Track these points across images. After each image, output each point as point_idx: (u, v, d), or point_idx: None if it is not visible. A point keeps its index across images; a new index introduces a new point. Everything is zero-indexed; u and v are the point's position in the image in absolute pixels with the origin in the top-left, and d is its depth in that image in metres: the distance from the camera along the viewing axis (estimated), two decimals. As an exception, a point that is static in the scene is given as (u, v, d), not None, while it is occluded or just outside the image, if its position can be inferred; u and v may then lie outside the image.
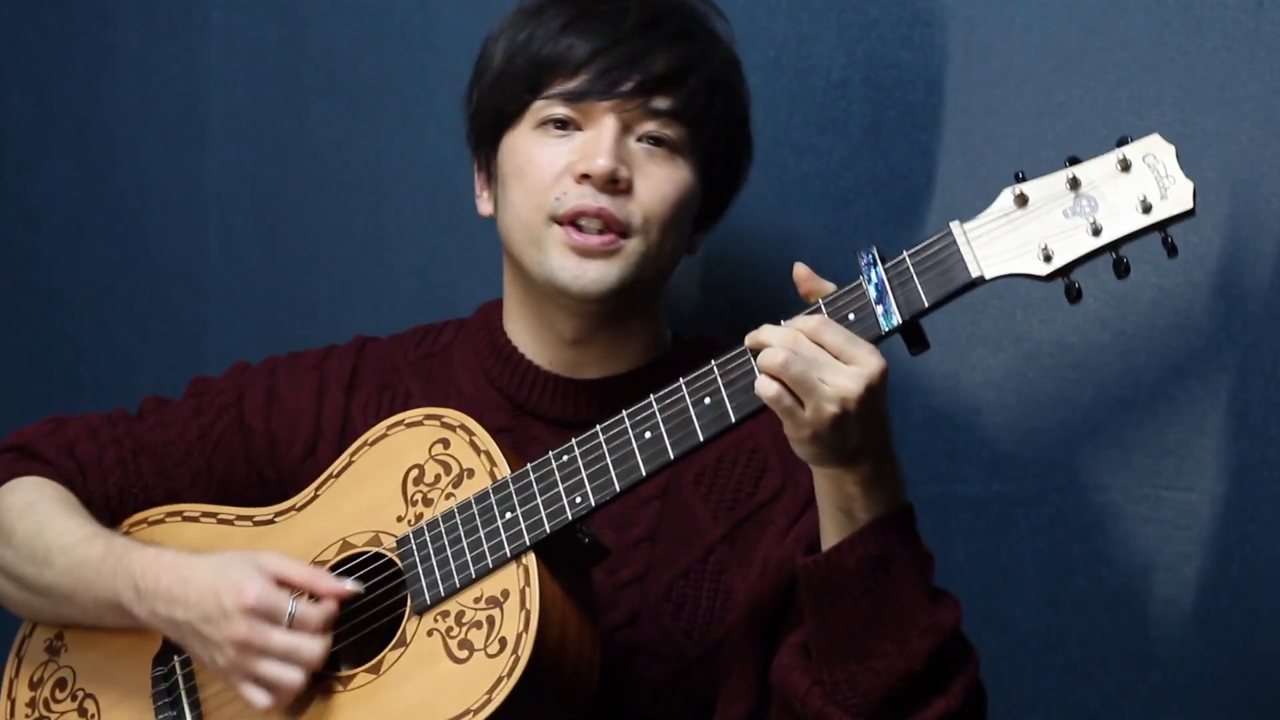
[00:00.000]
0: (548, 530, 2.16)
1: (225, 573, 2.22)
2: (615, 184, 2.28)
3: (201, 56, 3.15)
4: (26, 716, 2.42)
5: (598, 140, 2.29)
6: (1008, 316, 2.62)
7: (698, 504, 2.34)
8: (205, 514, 2.40)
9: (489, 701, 2.11)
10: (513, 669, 2.11)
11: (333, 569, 2.27)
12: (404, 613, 2.22)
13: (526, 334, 2.40)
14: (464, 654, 2.15)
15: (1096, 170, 2.04)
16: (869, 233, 2.69)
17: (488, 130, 2.38)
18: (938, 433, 2.65)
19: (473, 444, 2.24)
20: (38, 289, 3.27)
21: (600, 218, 2.28)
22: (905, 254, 2.07)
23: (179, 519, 2.43)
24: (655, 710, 2.30)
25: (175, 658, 2.35)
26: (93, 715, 2.39)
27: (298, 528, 2.33)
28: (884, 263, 2.07)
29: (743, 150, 2.43)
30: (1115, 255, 2.04)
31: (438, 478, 2.25)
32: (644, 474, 2.14)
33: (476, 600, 2.17)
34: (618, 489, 2.15)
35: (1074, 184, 2.04)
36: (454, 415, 2.26)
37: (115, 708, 2.38)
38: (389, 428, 2.30)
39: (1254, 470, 2.50)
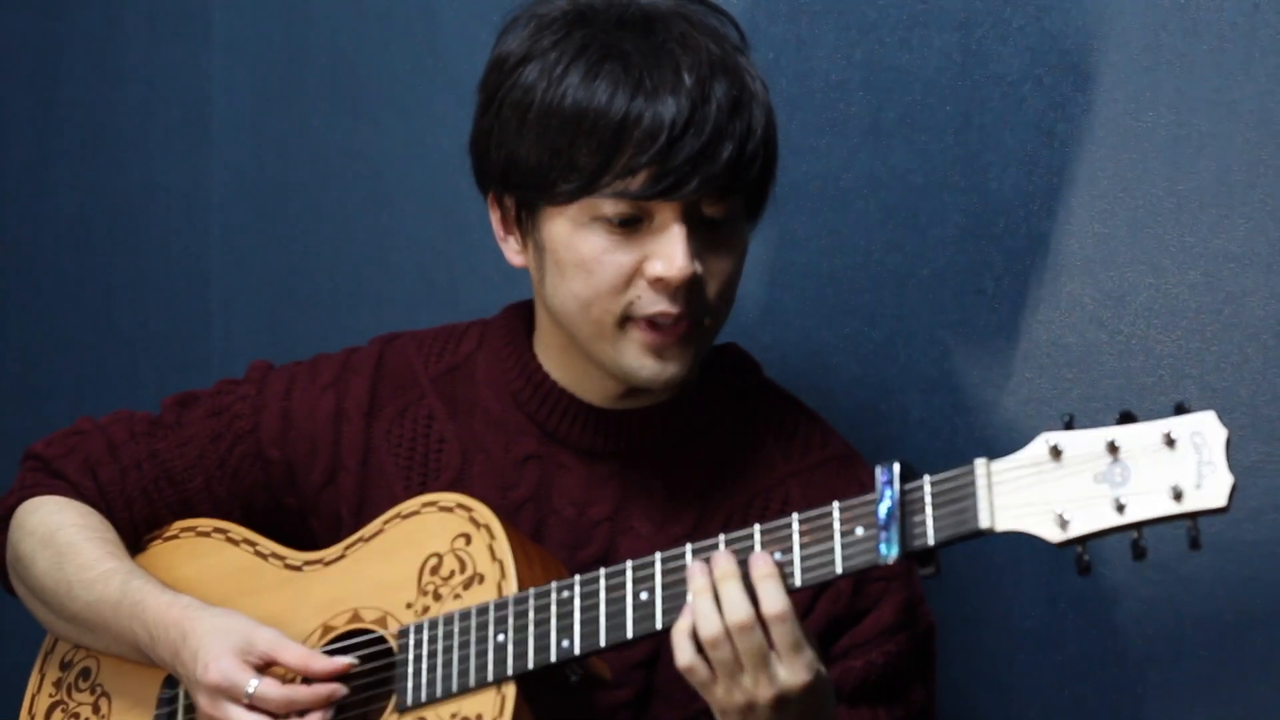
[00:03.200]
0: (530, 666, 2.14)
1: (212, 641, 2.24)
2: (692, 284, 2.20)
3: (204, 58, 3.15)
4: (51, 696, 2.44)
5: (670, 242, 2.18)
6: (1006, 316, 2.62)
7: None
8: (246, 540, 2.39)
9: None
10: None
11: (339, 638, 2.28)
12: (386, 705, 2.23)
13: (566, 373, 2.33)
14: None
15: (1139, 439, 1.91)
16: (868, 233, 2.69)
17: (524, 195, 2.26)
18: (936, 433, 2.66)
19: (490, 549, 2.20)
20: (41, 289, 3.27)
21: (680, 318, 2.21)
22: (926, 480, 1.99)
23: (193, 534, 2.43)
24: None
25: (182, 685, 2.35)
26: (104, 716, 2.40)
27: (319, 583, 2.32)
28: (903, 482, 2.00)
29: (775, 164, 2.30)
30: (1135, 535, 1.93)
31: (452, 574, 2.22)
32: (629, 637, 2.11)
33: (453, 715, 2.17)
34: (602, 644, 2.12)
35: (1112, 448, 1.92)
36: (483, 512, 2.22)
37: (123, 716, 2.40)
38: (423, 505, 2.27)
39: (1253, 470, 2.51)
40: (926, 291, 2.66)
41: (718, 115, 2.17)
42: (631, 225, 2.19)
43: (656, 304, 2.20)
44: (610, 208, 2.19)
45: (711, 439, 2.33)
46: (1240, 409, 2.51)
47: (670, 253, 2.18)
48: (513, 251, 2.31)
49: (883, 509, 2.00)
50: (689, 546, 2.10)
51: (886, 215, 2.68)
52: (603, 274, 2.20)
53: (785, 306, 2.73)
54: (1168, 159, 2.55)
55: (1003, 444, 2.61)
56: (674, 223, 2.18)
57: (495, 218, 2.32)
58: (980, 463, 1.97)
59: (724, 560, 2.06)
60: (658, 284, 2.19)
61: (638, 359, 2.22)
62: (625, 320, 2.22)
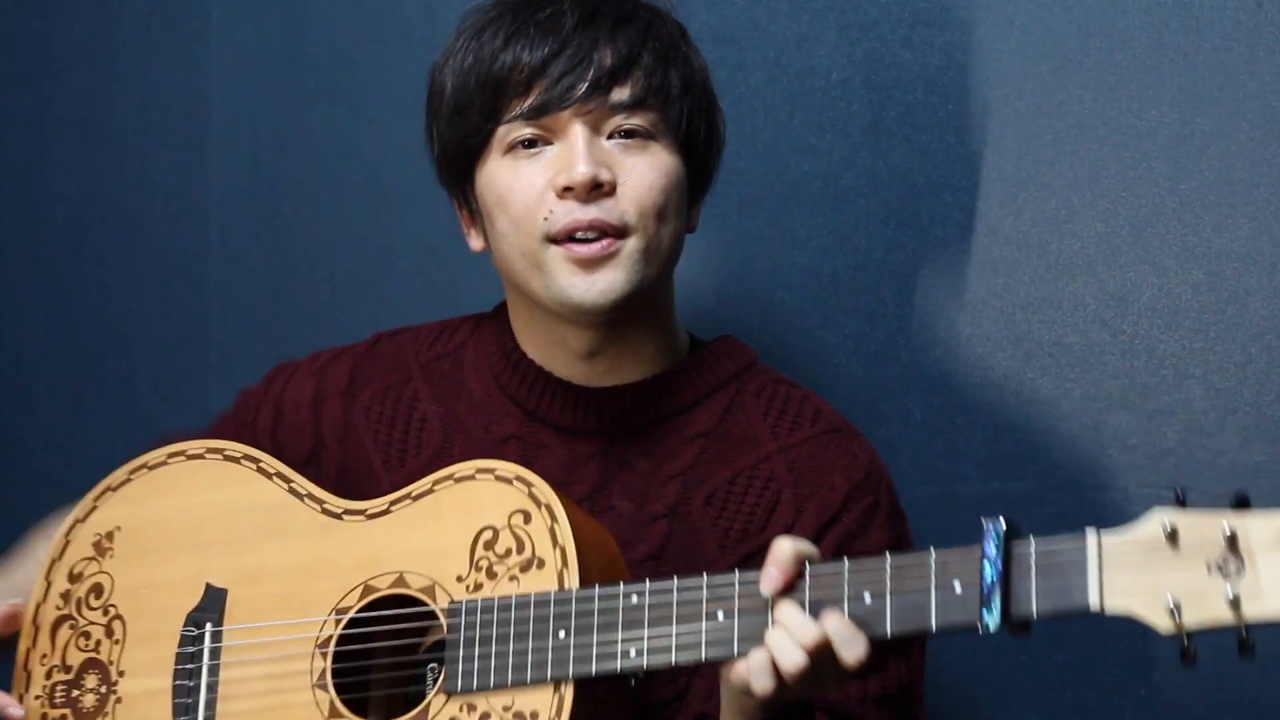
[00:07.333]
0: (593, 672, 2.09)
1: None
2: (599, 189, 2.25)
3: (203, 57, 3.15)
4: (59, 608, 2.36)
5: (570, 150, 2.26)
6: (1008, 316, 2.62)
7: (706, 529, 2.30)
8: (280, 475, 2.32)
9: None
10: None
11: (381, 602, 2.22)
12: (431, 684, 2.19)
13: (537, 347, 2.36)
14: None
15: (1260, 532, 1.84)
16: (869, 233, 2.69)
17: (458, 167, 2.35)
18: (938, 433, 2.66)
19: (552, 532, 2.15)
20: (40, 289, 3.27)
21: (594, 228, 2.25)
22: (1033, 543, 1.92)
23: (220, 457, 2.35)
24: None
25: (209, 625, 2.28)
26: (117, 641, 2.32)
27: (362, 536, 2.25)
28: (1009, 543, 1.92)
29: (714, 113, 2.38)
30: (1243, 633, 1.83)
31: (508, 552, 2.17)
32: (703, 658, 2.06)
33: (506, 708, 2.12)
34: (673, 661, 2.07)
35: (1231, 542, 1.84)
36: (544, 490, 2.17)
37: (139, 645, 2.32)
38: (478, 470, 2.21)
39: (1256, 470, 2.51)
40: (929, 291, 2.66)
41: (597, 28, 2.28)
42: (538, 147, 2.28)
43: (569, 214, 2.25)
44: (514, 132, 2.28)
45: (696, 417, 2.34)
46: (1244, 409, 2.51)
47: (570, 161, 2.26)
48: (473, 238, 2.39)
49: (989, 568, 1.91)
50: (772, 569, 2.04)
51: (888, 214, 2.68)
52: (517, 199, 2.28)
53: (786, 306, 2.73)
54: (1170, 158, 2.55)
55: (1005, 444, 2.62)
56: (574, 133, 2.27)
57: (462, 218, 2.41)
58: (1091, 535, 1.89)
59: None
60: (566, 194, 2.25)
61: (567, 279, 2.27)
62: (548, 243, 2.26)
